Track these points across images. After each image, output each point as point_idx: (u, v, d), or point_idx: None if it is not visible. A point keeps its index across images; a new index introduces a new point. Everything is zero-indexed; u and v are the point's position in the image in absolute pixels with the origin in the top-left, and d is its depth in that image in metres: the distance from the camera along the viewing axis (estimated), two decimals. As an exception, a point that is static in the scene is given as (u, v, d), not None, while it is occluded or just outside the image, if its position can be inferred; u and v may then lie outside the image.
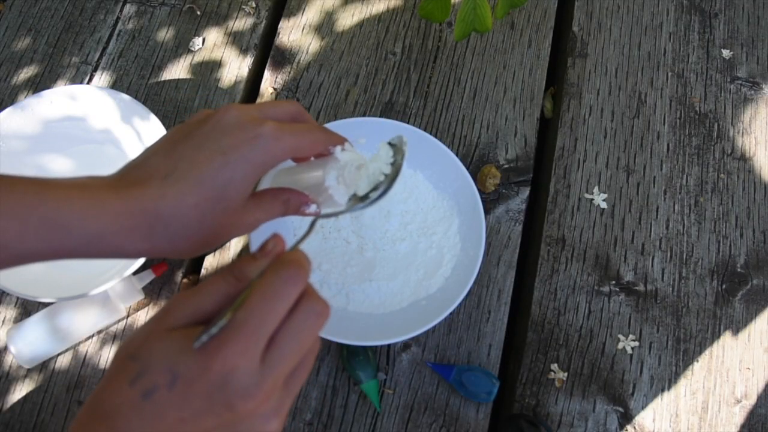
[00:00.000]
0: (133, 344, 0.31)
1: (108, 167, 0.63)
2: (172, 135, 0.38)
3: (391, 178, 0.41)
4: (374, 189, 0.41)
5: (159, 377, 0.29)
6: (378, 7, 0.77)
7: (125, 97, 0.64)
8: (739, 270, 0.66)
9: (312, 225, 0.39)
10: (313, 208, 0.43)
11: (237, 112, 0.38)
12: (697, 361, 0.63)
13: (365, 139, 0.54)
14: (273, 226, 0.59)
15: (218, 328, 0.30)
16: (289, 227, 0.63)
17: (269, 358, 0.30)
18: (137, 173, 0.36)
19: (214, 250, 0.66)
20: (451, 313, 0.56)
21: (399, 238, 0.62)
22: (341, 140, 0.43)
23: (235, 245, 0.66)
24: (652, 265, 0.66)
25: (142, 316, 0.63)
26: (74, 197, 0.33)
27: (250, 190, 0.38)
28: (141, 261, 0.60)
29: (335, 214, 0.42)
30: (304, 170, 0.47)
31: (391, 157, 0.42)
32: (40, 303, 0.62)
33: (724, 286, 0.66)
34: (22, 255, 0.33)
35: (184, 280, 0.65)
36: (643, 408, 0.61)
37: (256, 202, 0.40)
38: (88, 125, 0.65)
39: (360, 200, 0.41)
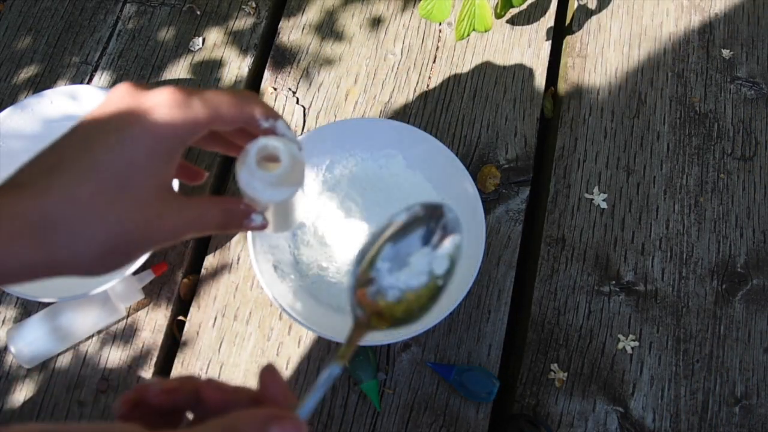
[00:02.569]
0: None
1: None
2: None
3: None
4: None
5: None
6: (378, 7, 0.77)
7: (125, 97, 0.64)
8: (739, 270, 0.66)
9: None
10: (257, 220, 0.35)
11: (126, 86, 0.31)
12: (697, 361, 0.63)
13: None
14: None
15: None
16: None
17: None
18: (19, 176, 0.30)
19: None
20: (451, 313, 0.56)
21: (399, 238, 0.62)
22: (274, 113, 0.33)
23: (234, 245, 0.66)
24: (652, 265, 0.66)
25: (142, 316, 0.63)
26: None
27: (165, 175, 0.31)
28: (141, 260, 0.60)
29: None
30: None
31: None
32: (40, 303, 0.62)
33: (724, 286, 0.66)
34: None
35: (185, 280, 0.65)
36: (643, 408, 0.61)
37: (185, 202, 0.32)
38: (88, 125, 0.65)
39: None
